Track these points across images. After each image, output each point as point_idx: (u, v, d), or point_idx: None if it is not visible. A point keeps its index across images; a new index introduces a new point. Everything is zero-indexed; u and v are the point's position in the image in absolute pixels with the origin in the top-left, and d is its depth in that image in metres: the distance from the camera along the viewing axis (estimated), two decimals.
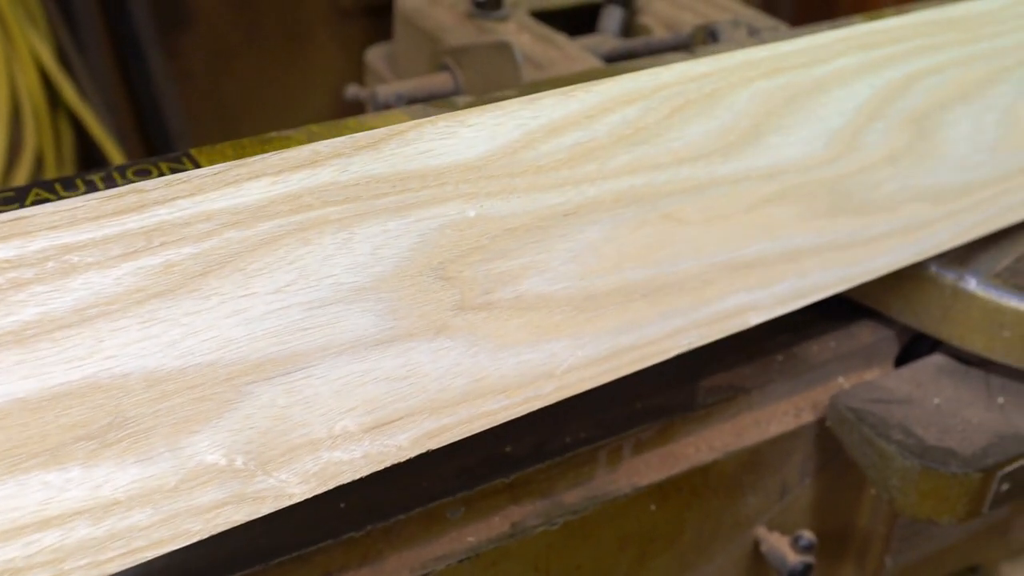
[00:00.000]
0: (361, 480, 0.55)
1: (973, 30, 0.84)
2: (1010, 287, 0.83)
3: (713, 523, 0.85)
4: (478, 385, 0.59)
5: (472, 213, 0.60)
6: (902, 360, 0.92)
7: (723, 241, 0.69)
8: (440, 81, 1.02)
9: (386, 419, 0.56)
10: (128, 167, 0.74)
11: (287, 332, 0.54)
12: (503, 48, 1.00)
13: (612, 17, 1.13)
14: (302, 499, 0.54)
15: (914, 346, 0.92)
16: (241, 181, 0.54)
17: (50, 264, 0.49)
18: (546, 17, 1.15)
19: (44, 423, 0.48)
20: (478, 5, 1.11)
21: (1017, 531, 1.09)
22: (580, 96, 0.65)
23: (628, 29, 1.16)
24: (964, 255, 0.84)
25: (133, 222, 0.51)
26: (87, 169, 0.73)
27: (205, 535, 0.51)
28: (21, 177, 1.80)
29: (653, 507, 0.79)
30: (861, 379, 0.89)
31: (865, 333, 0.91)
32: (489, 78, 1.01)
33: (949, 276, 0.84)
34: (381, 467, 0.57)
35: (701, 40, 1.01)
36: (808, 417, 0.86)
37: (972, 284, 0.83)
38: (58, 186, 0.71)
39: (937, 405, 0.83)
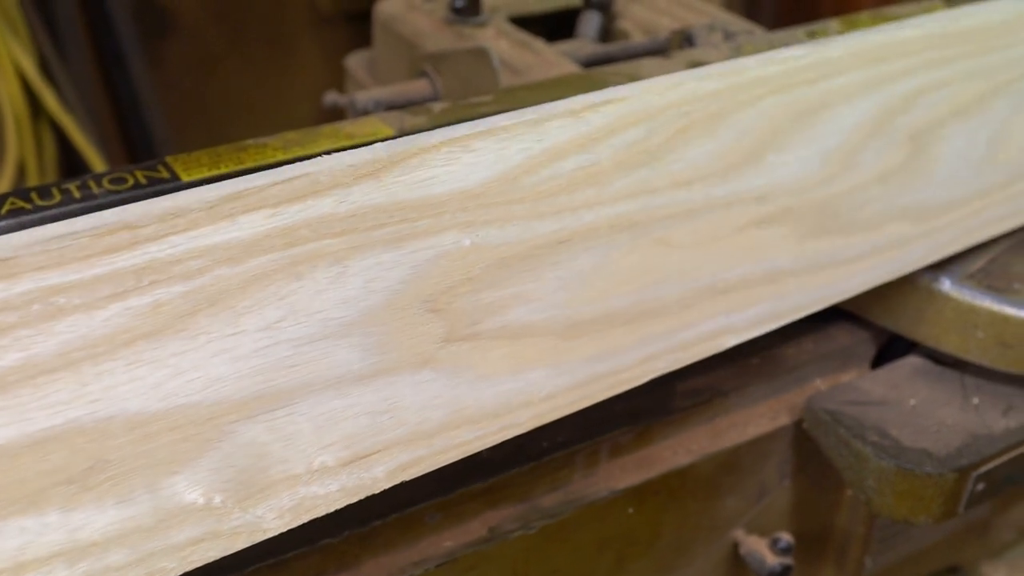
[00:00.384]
0: None
1: (983, 42, 0.80)
2: (984, 288, 0.84)
3: (691, 526, 0.85)
4: (456, 416, 0.58)
5: (467, 242, 0.58)
6: (879, 362, 0.92)
7: (709, 264, 0.67)
8: (418, 87, 1.03)
9: (364, 452, 0.56)
10: (104, 175, 0.74)
11: (273, 370, 0.52)
12: (480, 54, 1.01)
13: (590, 22, 1.14)
14: (276, 533, 0.54)
15: (890, 348, 0.92)
16: (236, 215, 0.51)
17: (35, 307, 0.47)
18: (524, 22, 1.15)
19: (23, 469, 0.46)
20: (456, 11, 1.11)
21: (996, 531, 1.10)
22: (588, 117, 0.62)
23: (606, 34, 1.16)
24: None
25: (124, 260, 0.49)
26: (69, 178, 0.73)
27: (179, 572, 0.50)
28: (3, 186, 1.79)
29: (631, 510, 0.80)
30: (838, 381, 0.89)
31: (841, 335, 0.91)
32: (467, 84, 1.02)
33: (924, 277, 0.84)
34: (356, 499, 0.56)
35: (677, 44, 1.02)
36: (785, 419, 0.86)
37: (946, 285, 0.84)
38: (34, 195, 0.71)
39: (913, 406, 0.84)
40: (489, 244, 0.59)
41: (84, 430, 0.48)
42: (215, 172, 0.74)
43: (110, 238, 0.49)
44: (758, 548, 0.86)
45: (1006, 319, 0.83)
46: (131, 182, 0.73)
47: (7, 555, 0.46)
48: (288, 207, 0.52)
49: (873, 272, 0.77)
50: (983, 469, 0.80)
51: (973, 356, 0.85)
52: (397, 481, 0.57)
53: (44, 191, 0.71)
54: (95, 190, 0.71)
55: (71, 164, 1.93)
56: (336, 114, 1.05)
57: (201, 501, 0.51)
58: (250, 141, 0.78)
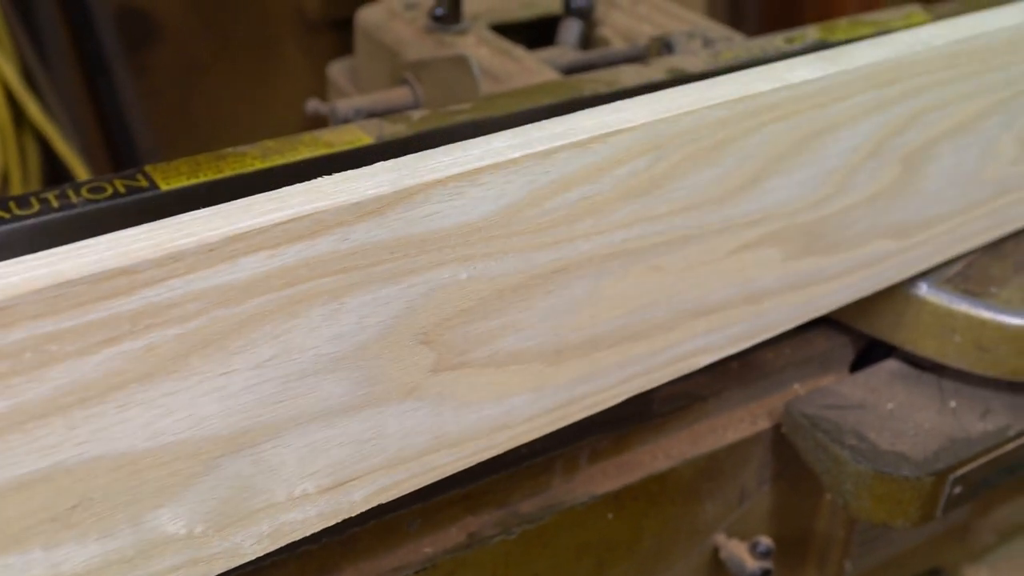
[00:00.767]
0: None
1: (988, 60, 0.77)
2: (960, 292, 0.84)
3: (671, 531, 0.85)
4: (437, 442, 0.59)
5: (464, 276, 0.56)
6: (857, 366, 0.93)
7: (695, 288, 0.67)
8: (399, 95, 1.03)
9: (345, 479, 0.56)
10: (83, 185, 0.73)
11: (262, 406, 0.52)
12: (461, 62, 1.01)
13: (570, 29, 1.14)
14: (254, 557, 0.54)
15: (869, 352, 0.93)
16: (237, 256, 0.49)
17: (28, 355, 0.45)
18: (505, 30, 1.15)
19: (8, 511, 0.46)
20: (437, 19, 1.12)
21: (977, 533, 1.10)
22: (595, 148, 0.59)
23: (587, 41, 1.17)
24: None
25: (120, 306, 0.47)
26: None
27: None
28: None
29: (610, 515, 0.80)
30: (816, 385, 0.90)
31: (820, 340, 0.91)
32: (448, 91, 1.02)
33: (901, 282, 0.85)
34: (333, 523, 0.56)
35: (656, 52, 1.02)
36: (764, 424, 0.86)
37: (923, 290, 0.85)
38: (12, 204, 0.71)
39: (890, 410, 0.84)
40: (486, 277, 0.57)
41: (71, 471, 0.47)
42: (194, 181, 0.74)
43: (107, 284, 0.46)
44: (738, 552, 0.87)
45: (983, 323, 0.83)
46: (110, 191, 0.73)
47: None
48: (288, 247, 0.50)
49: (852, 288, 0.77)
50: (960, 472, 0.80)
51: (951, 360, 0.85)
52: (374, 504, 0.58)
53: (22, 200, 0.71)
54: (74, 199, 0.71)
55: (55, 173, 1.92)
56: (319, 122, 1.05)
57: (183, 532, 0.51)
58: (229, 149, 0.78)
